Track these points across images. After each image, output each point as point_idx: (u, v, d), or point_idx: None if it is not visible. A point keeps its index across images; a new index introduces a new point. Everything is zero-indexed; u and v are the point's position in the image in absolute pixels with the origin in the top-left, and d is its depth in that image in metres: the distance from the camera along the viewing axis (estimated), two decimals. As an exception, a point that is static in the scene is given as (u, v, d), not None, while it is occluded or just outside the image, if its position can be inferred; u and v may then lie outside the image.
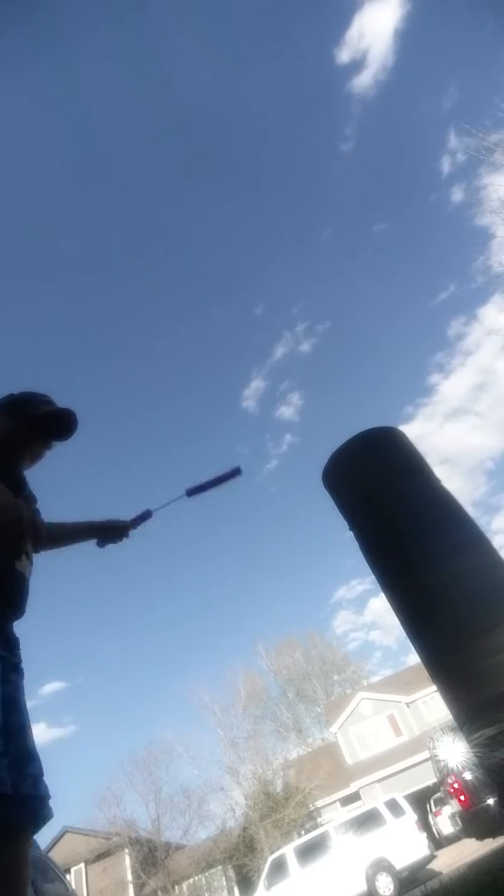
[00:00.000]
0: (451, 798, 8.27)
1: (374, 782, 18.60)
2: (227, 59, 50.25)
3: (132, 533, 1.57)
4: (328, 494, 3.65)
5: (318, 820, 18.08)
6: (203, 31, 45.15)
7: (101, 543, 1.56)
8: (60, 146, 51.56)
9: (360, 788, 18.74)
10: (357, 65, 50.18)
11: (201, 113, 52.90)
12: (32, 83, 44.16)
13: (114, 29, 43.02)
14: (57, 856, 16.69)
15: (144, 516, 1.59)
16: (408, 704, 21.09)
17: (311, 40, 46.50)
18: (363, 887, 8.88)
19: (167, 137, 54.26)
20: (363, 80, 46.25)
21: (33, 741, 1.09)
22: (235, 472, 1.72)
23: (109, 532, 1.55)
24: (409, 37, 40.02)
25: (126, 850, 18.53)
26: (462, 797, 7.27)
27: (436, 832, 14.25)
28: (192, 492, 1.69)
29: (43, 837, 19.13)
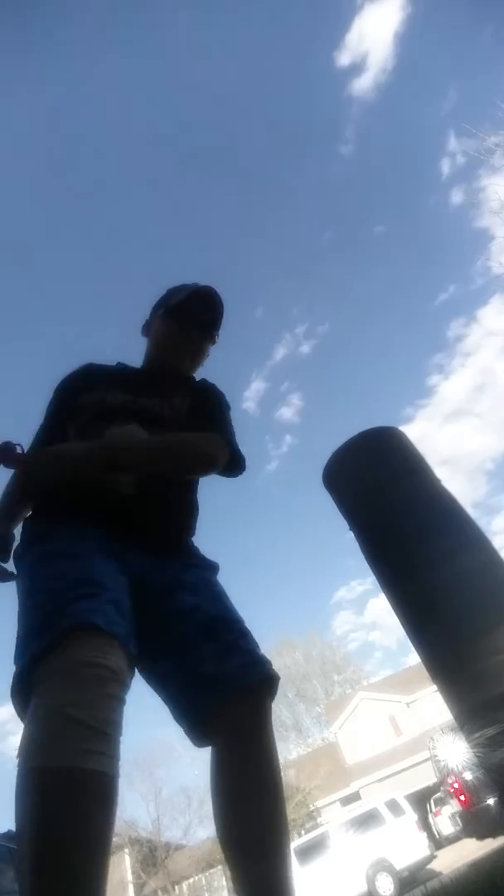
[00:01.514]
0: (451, 798, 8.28)
1: (374, 782, 18.60)
2: (229, 62, 50.36)
3: None
4: (329, 495, 3.65)
5: (318, 820, 18.08)
6: (204, 36, 45.27)
7: None
8: (61, 147, 51.60)
9: (360, 788, 18.74)
10: (357, 68, 50.36)
11: (202, 116, 52.98)
12: (32, 84, 44.20)
13: (117, 35, 43.09)
14: (57, 856, 16.65)
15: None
16: (408, 704, 21.09)
17: (311, 44, 46.68)
18: (363, 887, 8.88)
19: (168, 140, 54.34)
20: (363, 83, 46.41)
21: (212, 614, 1.02)
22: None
23: None
24: (409, 40, 40.17)
25: (126, 850, 18.53)
26: (462, 797, 7.28)
27: (436, 832, 14.25)
28: None
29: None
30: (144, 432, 1.10)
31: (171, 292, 1.36)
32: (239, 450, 1.24)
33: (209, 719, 0.93)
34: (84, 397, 1.19)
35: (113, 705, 0.74)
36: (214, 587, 1.09)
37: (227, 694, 0.92)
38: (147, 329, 1.41)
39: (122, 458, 1.02)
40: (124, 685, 0.78)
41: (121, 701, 0.77)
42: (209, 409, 1.29)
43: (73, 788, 0.68)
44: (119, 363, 1.38)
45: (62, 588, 0.83)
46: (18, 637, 0.83)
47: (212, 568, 1.14)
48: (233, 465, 1.22)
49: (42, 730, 0.71)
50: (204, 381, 1.38)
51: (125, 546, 0.99)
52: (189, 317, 1.31)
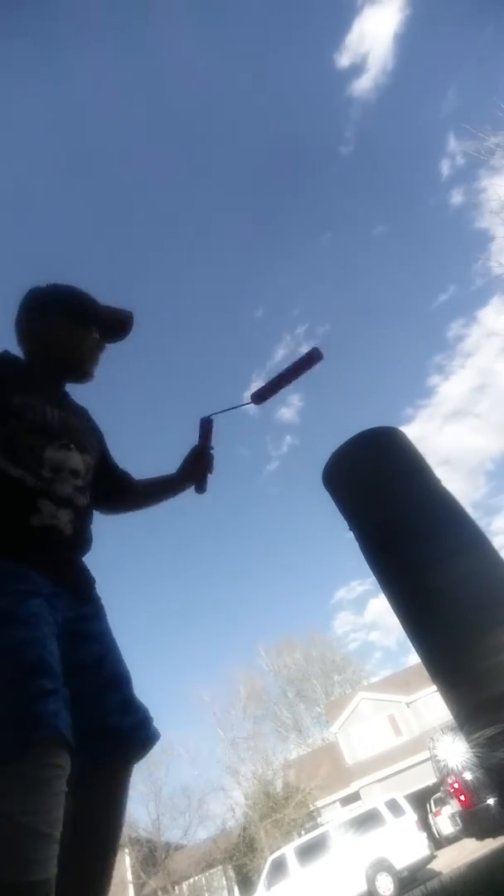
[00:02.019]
0: (451, 798, 8.27)
1: (374, 782, 18.60)
2: (228, 63, 50.36)
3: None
4: (328, 495, 3.66)
5: (318, 820, 18.08)
6: (204, 36, 45.25)
7: (200, 488, 1.39)
8: (62, 148, 51.61)
9: (360, 788, 18.74)
10: (357, 69, 50.24)
11: (202, 117, 52.97)
12: (32, 85, 44.22)
13: (114, 34, 43.09)
14: (57, 856, 16.64)
15: (206, 427, 1.34)
16: (408, 704, 21.09)
17: (311, 45, 46.62)
18: (363, 887, 8.88)
19: (168, 141, 54.32)
20: (363, 84, 46.33)
21: (115, 668, 1.02)
22: (314, 358, 1.34)
23: (196, 472, 1.39)
24: (409, 41, 40.11)
25: (126, 850, 18.51)
26: (462, 797, 7.28)
27: (436, 832, 14.25)
28: (261, 397, 1.36)
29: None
30: (80, 461, 1.11)
31: (73, 295, 1.27)
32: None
33: (95, 765, 0.91)
34: (17, 399, 1.06)
35: (60, 802, 0.75)
36: (112, 637, 1.09)
37: (124, 748, 0.95)
38: (35, 329, 1.23)
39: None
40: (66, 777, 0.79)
41: (65, 794, 0.77)
42: (107, 450, 1.33)
43: None
44: (19, 358, 1.22)
45: (22, 676, 0.79)
46: None
47: (104, 613, 1.12)
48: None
49: None
50: (82, 408, 1.33)
51: (56, 591, 0.96)
52: (107, 333, 1.30)
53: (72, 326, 1.23)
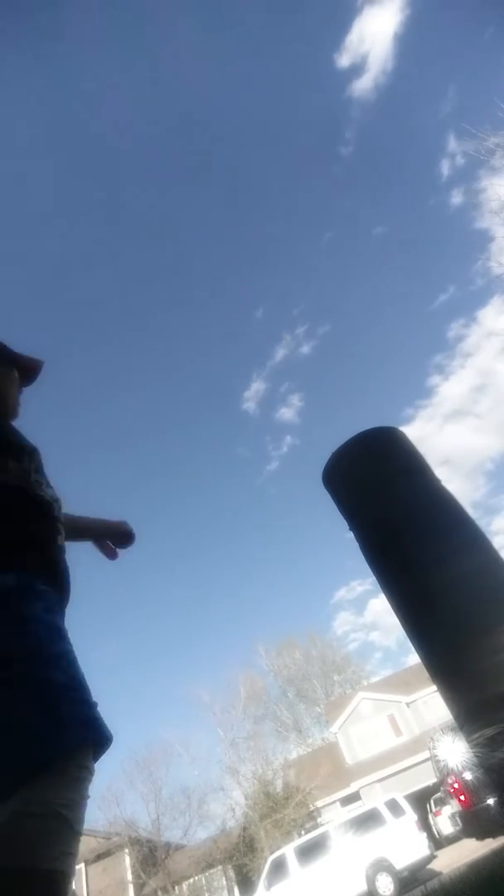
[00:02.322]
0: (451, 798, 8.27)
1: (374, 782, 18.60)
2: (228, 63, 50.30)
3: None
4: (328, 495, 3.65)
5: (318, 820, 18.08)
6: (203, 36, 45.22)
7: (115, 551, 1.43)
8: (62, 148, 51.58)
9: (360, 788, 18.74)
10: (357, 69, 50.15)
11: (202, 117, 52.94)
12: (32, 85, 44.21)
13: (115, 33, 43.08)
14: (57, 856, 16.64)
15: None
16: (408, 704, 21.09)
17: (311, 45, 46.58)
18: (363, 887, 8.89)
19: (168, 141, 54.29)
20: (363, 84, 46.29)
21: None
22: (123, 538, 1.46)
23: (122, 536, 1.44)
24: (409, 41, 40.09)
25: (126, 850, 18.52)
26: (462, 797, 7.28)
27: (436, 832, 14.25)
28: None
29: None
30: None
31: None
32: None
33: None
34: (11, 465, 1.09)
35: (86, 805, 0.82)
36: None
37: None
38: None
39: None
40: None
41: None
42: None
43: (54, 891, 0.72)
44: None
45: (81, 684, 0.90)
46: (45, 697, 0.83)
47: None
48: None
49: (35, 827, 0.72)
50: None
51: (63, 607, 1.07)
52: (27, 374, 1.32)
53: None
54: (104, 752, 0.91)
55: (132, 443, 54.34)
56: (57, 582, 1.05)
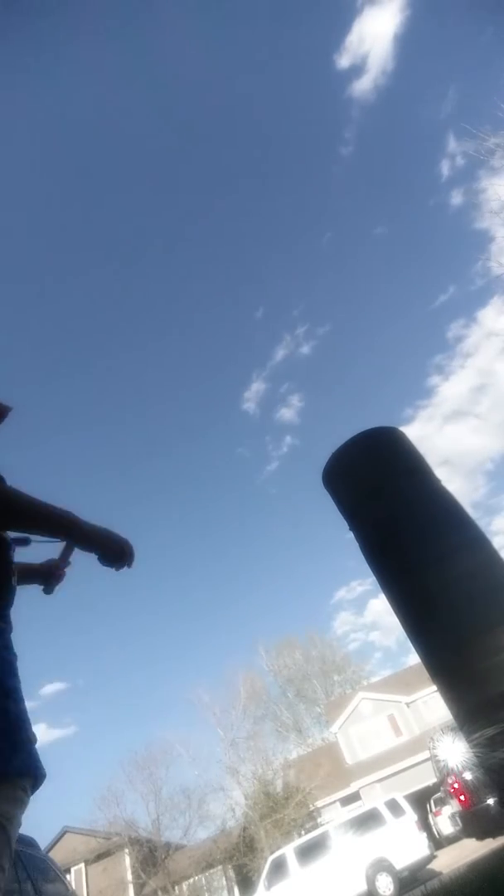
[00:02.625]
0: (451, 798, 8.28)
1: (374, 782, 18.60)
2: (228, 64, 50.29)
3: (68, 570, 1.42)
4: (328, 495, 3.65)
5: (318, 820, 18.08)
6: (204, 38, 45.19)
7: (48, 590, 1.40)
8: (60, 149, 51.55)
9: (360, 788, 18.74)
10: (357, 70, 50.12)
11: (202, 118, 52.92)
12: (32, 84, 44.20)
13: (115, 35, 43.05)
14: (57, 856, 16.68)
15: (67, 551, 1.37)
16: (408, 704, 21.09)
17: (311, 46, 46.57)
18: (363, 887, 8.88)
19: (168, 142, 54.26)
20: (363, 85, 46.28)
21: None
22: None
23: (48, 577, 1.40)
24: (409, 42, 40.07)
25: (126, 850, 18.53)
26: (462, 797, 7.28)
27: (436, 832, 14.25)
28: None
29: (43, 837, 19.13)
30: None
31: None
32: None
33: None
34: None
35: (17, 831, 0.96)
36: None
37: None
38: None
39: None
40: None
41: None
42: None
43: None
44: None
45: (27, 720, 1.00)
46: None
47: None
48: None
49: None
50: None
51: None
52: None
53: None
54: (38, 789, 1.00)
55: (132, 443, 54.34)
56: (7, 617, 1.12)
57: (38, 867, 4.27)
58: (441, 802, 14.12)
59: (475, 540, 3.00)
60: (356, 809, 11.96)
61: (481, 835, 7.34)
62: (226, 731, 22.93)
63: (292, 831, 17.37)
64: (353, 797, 18.66)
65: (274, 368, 53.92)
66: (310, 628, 44.59)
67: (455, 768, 7.53)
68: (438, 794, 14.49)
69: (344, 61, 44.81)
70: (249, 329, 56.57)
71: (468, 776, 7.20)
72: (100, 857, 18.87)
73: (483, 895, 1.96)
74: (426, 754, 14.57)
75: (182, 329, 57.93)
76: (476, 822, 7.21)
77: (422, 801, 16.23)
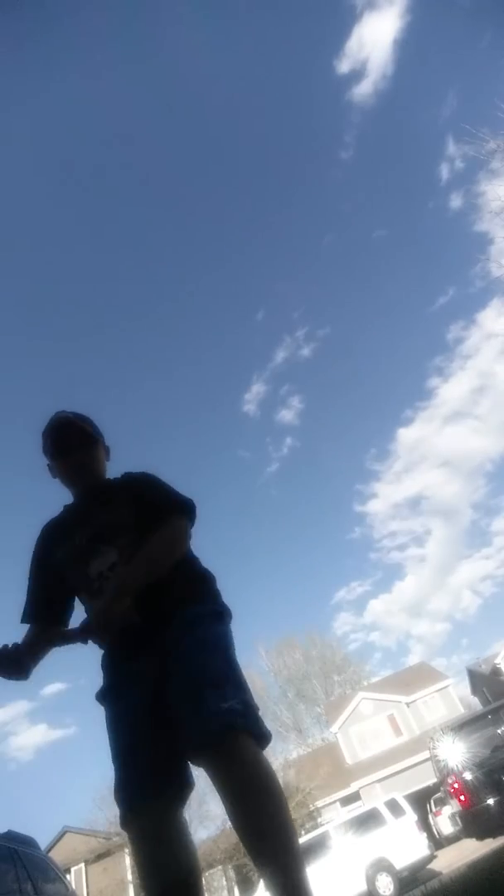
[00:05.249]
0: (451, 798, 8.26)
1: (374, 782, 18.59)
2: (230, 68, 50.35)
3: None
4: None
5: (318, 820, 18.06)
6: (205, 43, 45.22)
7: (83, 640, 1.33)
8: (62, 152, 51.57)
9: (360, 788, 18.73)
10: (357, 74, 50.14)
11: (204, 123, 52.96)
12: (33, 89, 44.17)
13: (117, 38, 43.07)
14: (57, 856, 16.66)
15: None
16: (408, 704, 21.09)
17: (311, 51, 46.61)
18: (363, 887, 8.88)
19: (170, 146, 54.32)
20: (363, 89, 46.35)
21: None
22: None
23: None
24: (409, 47, 40.10)
25: (126, 850, 18.49)
26: (462, 797, 7.27)
27: (436, 832, 14.25)
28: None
29: (43, 837, 19.12)
30: (115, 554, 1.34)
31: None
32: (185, 497, 1.43)
33: (197, 751, 1.07)
34: (58, 552, 1.42)
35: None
36: (188, 655, 1.18)
37: (192, 745, 1.08)
38: (51, 472, 1.57)
39: (131, 590, 1.21)
40: None
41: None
42: (144, 493, 1.45)
43: None
44: (64, 507, 1.56)
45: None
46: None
47: (192, 625, 1.23)
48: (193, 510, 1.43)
49: None
50: (125, 475, 1.55)
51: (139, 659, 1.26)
52: (49, 453, 1.51)
53: None
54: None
55: (132, 444, 54.30)
56: None
57: (38, 867, 4.27)
58: (441, 802, 14.12)
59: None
60: (356, 809, 11.96)
61: (481, 835, 7.33)
62: (226, 731, 22.89)
63: (292, 831, 17.33)
64: (353, 797, 18.65)
65: (274, 370, 53.96)
66: (310, 628, 44.63)
67: (455, 768, 7.53)
68: (438, 794, 14.49)
69: (344, 66, 44.90)
70: (250, 331, 56.63)
71: (468, 776, 7.19)
72: (100, 857, 18.86)
73: (483, 895, 1.97)
74: (426, 754, 14.54)
75: (182, 331, 57.96)
76: (476, 822, 7.20)
77: (422, 801, 16.22)
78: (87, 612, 1.38)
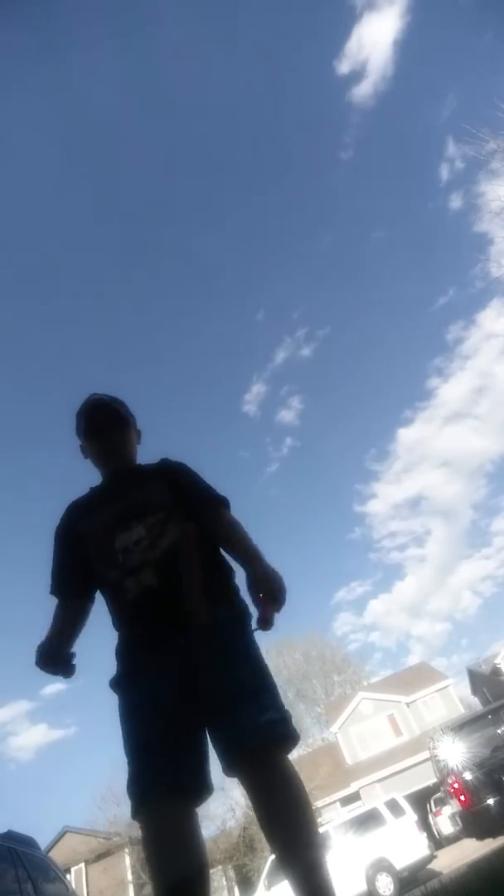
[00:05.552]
0: (451, 798, 8.26)
1: (374, 782, 18.59)
2: (230, 69, 50.39)
3: None
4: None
5: (319, 820, 18.06)
6: (206, 44, 45.24)
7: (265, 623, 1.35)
8: (63, 147, 51.56)
9: (360, 788, 18.73)
10: (357, 75, 50.23)
11: (204, 124, 52.98)
12: (33, 87, 44.17)
13: (118, 42, 43.09)
14: (57, 856, 16.65)
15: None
16: (408, 704, 21.08)
17: (311, 53, 46.67)
18: (363, 887, 8.87)
19: (170, 147, 54.33)
20: (363, 90, 46.41)
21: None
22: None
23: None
24: (409, 47, 40.18)
25: (126, 850, 18.49)
26: (462, 797, 7.27)
27: (436, 832, 14.24)
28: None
29: (43, 837, 19.11)
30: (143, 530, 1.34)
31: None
32: (221, 495, 1.47)
33: (237, 763, 1.13)
34: (83, 526, 1.42)
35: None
36: (220, 665, 1.19)
37: (233, 758, 1.12)
38: (83, 453, 1.60)
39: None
40: None
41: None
42: (188, 482, 1.49)
43: None
44: (91, 488, 1.57)
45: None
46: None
47: (219, 633, 1.24)
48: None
49: None
50: (163, 460, 1.56)
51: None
52: (82, 434, 1.54)
53: None
54: None
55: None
56: None
57: (38, 867, 4.27)
58: (441, 802, 14.11)
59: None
60: (356, 809, 11.96)
61: (481, 835, 7.33)
62: (226, 731, 22.89)
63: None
64: (353, 797, 18.65)
65: (274, 371, 53.98)
66: (310, 628, 44.60)
67: (455, 768, 7.53)
68: (438, 794, 14.48)
69: (344, 67, 44.92)
70: (250, 331, 56.65)
71: (468, 776, 7.19)
72: (100, 857, 18.85)
73: (483, 895, 1.96)
74: (426, 754, 14.53)
75: (183, 331, 57.96)
76: (476, 822, 7.20)
77: (422, 801, 16.22)
78: (104, 585, 1.36)
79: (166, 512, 1.37)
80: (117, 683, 1.29)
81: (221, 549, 1.42)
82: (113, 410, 1.52)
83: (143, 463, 1.58)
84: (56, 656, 1.34)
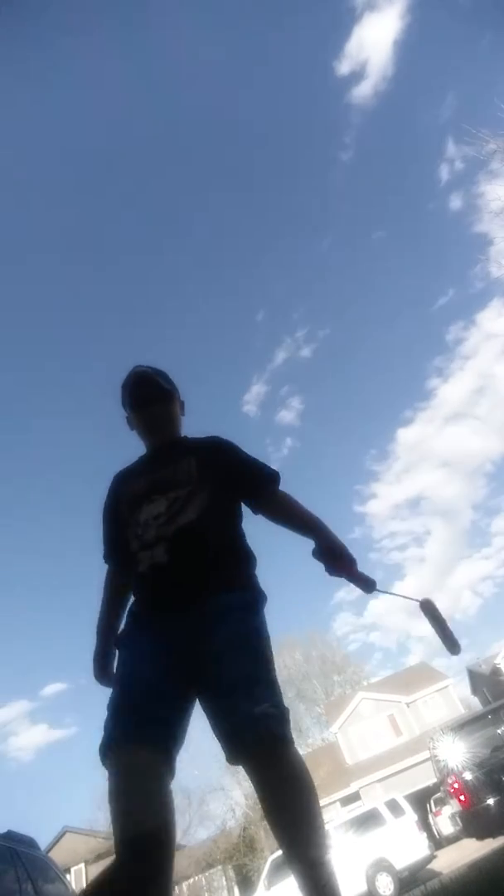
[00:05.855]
0: (451, 798, 8.26)
1: (374, 782, 18.59)
2: (230, 69, 50.40)
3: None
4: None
5: (319, 820, 18.06)
6: (206, 45, 45.26)
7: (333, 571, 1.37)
8: (62, 148, 51.55)
9: (360, 788, 18.73)
10: (356, 76, 50.36)
11: (204, 123, 53.04)
12: (33, 87, 44.17)
13: (118, 42, 43.10)
14: (57, 856, 16.63)
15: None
16: (408, 704, 21.08)
17: (311, 53, 46.71)
18: (363, 887, 8.87)
19: (170, 147, 54.33)
20: (363, 91, 46.47)
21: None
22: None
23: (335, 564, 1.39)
24: (409, 48, 40.25)
25: (126, 850, 18.47)
26: (462, 797, 7.27)
27: (436, 832, 14.24)
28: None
29: (43, 837, 19.11)
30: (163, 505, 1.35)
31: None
32: (274, 470, 1.49)
33: (232, 755, 1.11)
34: (122, 497, 1.46)
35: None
36: (220, 651, 1.17)
37: (235, 747, 1.10)
38: (129, 424, 1.64)
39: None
40: None
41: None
42: (238, 459, 1.51)
43: None
44: (139, 458, 1.61)
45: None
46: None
47: (224, 617, 1.22)
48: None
49: None
50: (213, 437, 1.58)
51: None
52: (129, 405, 1.56)
53: None
54: None
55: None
56: None
57: (38, 867, 4.26)
58: (441, 802, 14.12)
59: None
60: (356, 809, 11.95)
61: (481, 835, 7.33)
62: (226, 731, 22.90)
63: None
64: (353, 797, 18.65)
65: (274, 371, 54.01)
66: (310, 628, 44.63)
67: (455, 768, 7.53)
68: (438, 794, 14.48)
69: (344, 67, 44.97)
70: (250, 332, 56.69)
71: (468, 776, 7.19)
72: (100, 857, 18.84)
73: (483, 895, 1.96)
74: (426, 754, 14.53)
75: (182, 331, 57.95)
76: (476, 822, 7.20)
77: (422, 801, 16.23)
78: (130, 558, 1.36)
79: (191, 488, 1.36)
80: (119, 641, 1.34)
81: (279, 524, 1.43)
82: (156, 382, 1.54)
83: (190, 437, 1.60)
84: (110, 665, 1.39)
